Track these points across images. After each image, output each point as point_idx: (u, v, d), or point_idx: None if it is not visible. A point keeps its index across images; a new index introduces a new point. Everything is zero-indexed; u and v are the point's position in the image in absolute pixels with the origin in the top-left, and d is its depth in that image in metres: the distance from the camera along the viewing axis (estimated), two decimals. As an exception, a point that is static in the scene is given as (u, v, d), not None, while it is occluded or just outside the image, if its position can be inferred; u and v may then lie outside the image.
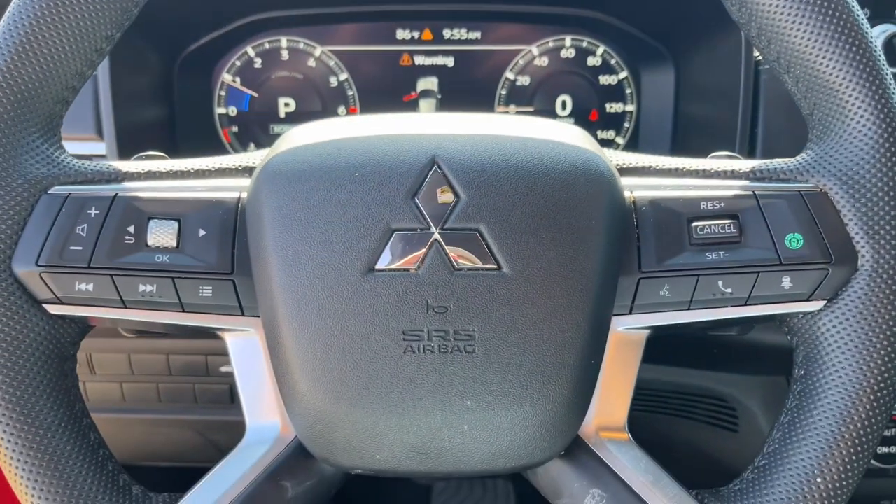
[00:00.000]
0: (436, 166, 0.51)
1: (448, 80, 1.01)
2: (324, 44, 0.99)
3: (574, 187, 0.52)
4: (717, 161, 0.58)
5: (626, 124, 1.02)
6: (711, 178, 0.57)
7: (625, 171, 0.57)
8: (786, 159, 0.57)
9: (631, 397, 0.56)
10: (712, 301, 0.54)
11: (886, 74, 0.53)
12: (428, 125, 0.54)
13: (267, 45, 1.00)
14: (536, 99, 1.01)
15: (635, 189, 0.56)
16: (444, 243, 0.50)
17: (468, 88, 1.01)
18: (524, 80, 1.01)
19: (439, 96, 1.01)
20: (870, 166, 0.53)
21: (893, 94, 0.53)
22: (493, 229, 0.50)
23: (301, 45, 0.99)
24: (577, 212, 0.51)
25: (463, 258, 0.50)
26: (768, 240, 0.54)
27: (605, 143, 1.02)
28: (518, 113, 1.01)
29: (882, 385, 0.52)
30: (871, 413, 0.52)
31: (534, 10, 0.98)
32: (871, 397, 0.52)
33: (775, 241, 0.54)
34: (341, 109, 1.01)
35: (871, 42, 0.53)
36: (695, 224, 0.54)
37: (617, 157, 0.58)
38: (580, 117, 1.01)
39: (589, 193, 0.52)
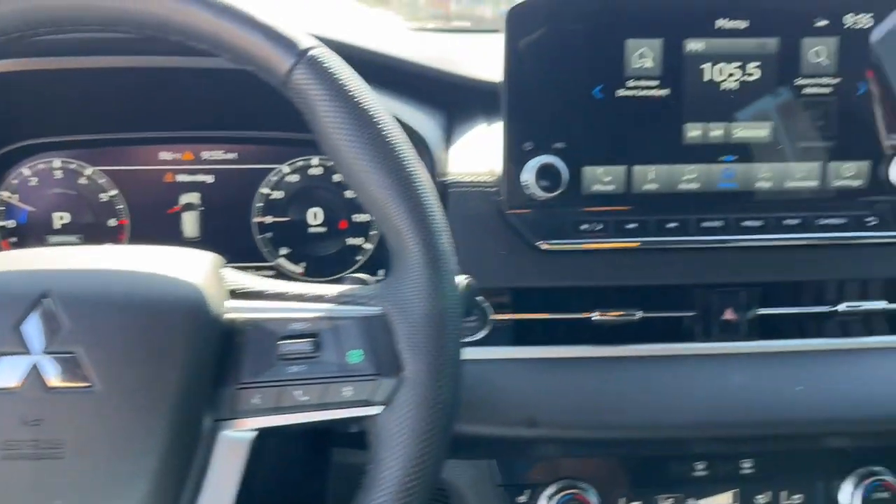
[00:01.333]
0: (43, 298, 0.62)
1: (209, 195, 1.12)
2: (94, 164, 1.10)
3: (163, 315, 0.63)
4: (313, 287, 0.70)
5: (372, 232, 1.14)
6: (306, 301, 0.69)
7: (239, 294, 0.69)
8: (366, 286, 0.69)
9: (235, 494, 0.66)
10: (294, 407, 0.65)
11: (434, 219, 0.66)
12: (42, 261, 0.65)
13: (41, 166, 1.10)
14: (290, 210, 1.13)
15: (241, 311, 0.67)
16: (41, 366, 0.61)
17: (228, 202, 1.12)
18: (278, 195, 1.13)
19: (202, 208, 1.12)
20: (414, 295, 0.65)
21: (439, 239, 0.65)
22: (90, 352, 0.61)
23: (73, 166, 1.10)
24: (162, 336, 0.63)
25: (58, 378, 0.61)
26: (337, 355, 0.66)
27: (356, 248, 1.14)
28: (275, 223, 1.13)
29: (409, 481, 0.63)
30: None
31: (283, 136, 1.11)
32: (403, 492, 0.62)
33: (342, 357, 0.65)
34: (112, 221, 1.11)
35: (424, 191, 0.66)
36: (281, 342, 0.66)
37: (238, 282, 0.70)
38: (332, 226, 1.13)
39: (175, 320, 0.63)
